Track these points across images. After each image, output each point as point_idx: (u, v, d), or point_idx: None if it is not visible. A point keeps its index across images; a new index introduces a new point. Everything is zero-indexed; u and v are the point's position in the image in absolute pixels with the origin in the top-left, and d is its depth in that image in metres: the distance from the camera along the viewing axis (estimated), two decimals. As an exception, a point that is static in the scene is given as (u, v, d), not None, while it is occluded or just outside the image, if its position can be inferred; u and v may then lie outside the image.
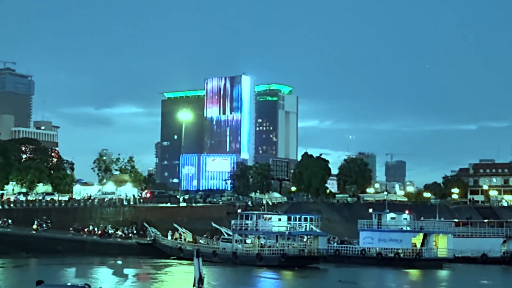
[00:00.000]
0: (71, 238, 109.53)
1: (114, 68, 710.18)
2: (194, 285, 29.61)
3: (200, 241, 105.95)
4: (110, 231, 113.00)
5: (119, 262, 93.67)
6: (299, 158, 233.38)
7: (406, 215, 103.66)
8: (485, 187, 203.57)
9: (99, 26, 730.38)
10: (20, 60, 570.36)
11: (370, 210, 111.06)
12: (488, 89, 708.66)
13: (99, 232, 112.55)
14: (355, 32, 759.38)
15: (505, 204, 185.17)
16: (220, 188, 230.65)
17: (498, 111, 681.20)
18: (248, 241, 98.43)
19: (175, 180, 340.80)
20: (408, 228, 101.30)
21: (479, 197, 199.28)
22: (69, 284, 36.18)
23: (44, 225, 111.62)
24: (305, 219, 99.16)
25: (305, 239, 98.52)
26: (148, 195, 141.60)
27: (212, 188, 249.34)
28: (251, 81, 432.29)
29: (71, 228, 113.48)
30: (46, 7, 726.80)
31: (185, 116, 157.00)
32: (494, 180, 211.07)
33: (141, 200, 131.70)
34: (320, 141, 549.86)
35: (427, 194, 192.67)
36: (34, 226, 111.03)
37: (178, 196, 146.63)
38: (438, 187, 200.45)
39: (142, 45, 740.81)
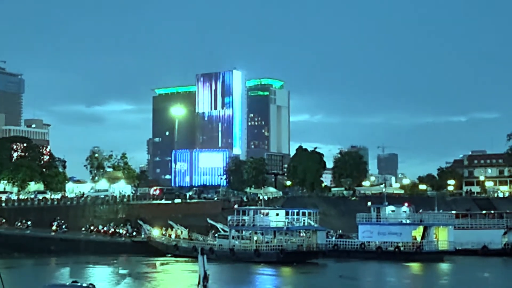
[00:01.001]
0: (65, 237, 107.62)
1: (104, 66, 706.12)
2: (199, 283, 28.47)
3: (208, 239, 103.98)
4: (120, 231, 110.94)
5: (114, 261, 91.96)
6: (291, 153, 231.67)
7: (405, 208, 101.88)
8: (482, 178, 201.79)
9: (88, 23, 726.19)
10: (10, 59, 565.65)
11: (369, 203, 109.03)
12: (476, 80, 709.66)
13: (110, 231, 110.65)
14: (345, 26, 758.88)
15: (500, 195, 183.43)
16: (213, 184, 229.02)
17: (487, 103, 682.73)
18: (255, 237, 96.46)
19: (168, 177, 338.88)
20: (408, 221, 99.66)
21: (475, 189, 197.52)
22: (73, 283, 35.58)
23: (64, 226, 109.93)
24: (303, 214, 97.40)
25: (302, 234, 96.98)
26: (158, 192, 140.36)
27: (205, 184, 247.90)
28: (242, 76, 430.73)
29: (83, 228, 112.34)
30: (35, 6, 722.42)
31: (178, 111, 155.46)
32: (489, 171, 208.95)
33: (135, 197, 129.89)
34: (311, 135, 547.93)
35: (422, 186, 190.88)
36: (54, 227, 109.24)
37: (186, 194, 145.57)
38: (433, 179, 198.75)
39: (132, 42, 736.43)
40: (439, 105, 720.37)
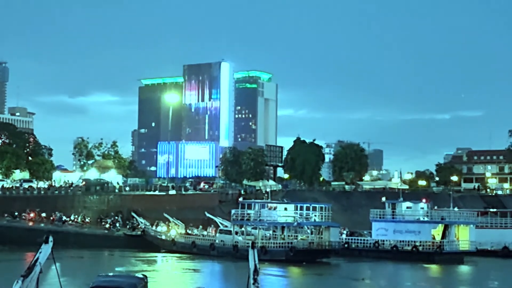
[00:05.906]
0: (52, 229, 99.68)
1: (89, 56, 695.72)
2: (249, 277, 24.66)
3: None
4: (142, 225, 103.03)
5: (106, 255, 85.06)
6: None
7: (423, 204, 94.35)
8: (488, 174, 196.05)
9: (74, 12, 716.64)
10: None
11: (383, 199, 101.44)
12: (461, 79, 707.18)
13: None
14: (332, 22, 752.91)
15: (501, 192, 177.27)
16: (199, 176, 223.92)
17: (471, 101, 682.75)
18: (267, 233, 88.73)
19: (153, 168, 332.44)
20: (427, 219, 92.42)
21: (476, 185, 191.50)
22: (127, 275, 35.21)
23: (117, 224, 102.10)
24: (314, 208, 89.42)
25: (308, 231, 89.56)
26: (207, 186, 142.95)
27: (195, 176, 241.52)
28: (230, 67, 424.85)
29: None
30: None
31: (172, 98, 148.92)
32: (489, 167, 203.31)
33: (127, 188, 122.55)
34: (295, 130, 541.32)
35: (421, 182, 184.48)
36: (107, 225, 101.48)
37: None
38: (430, 175, 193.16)
39: (117, 32, 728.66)
40: (423, 102, 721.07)
